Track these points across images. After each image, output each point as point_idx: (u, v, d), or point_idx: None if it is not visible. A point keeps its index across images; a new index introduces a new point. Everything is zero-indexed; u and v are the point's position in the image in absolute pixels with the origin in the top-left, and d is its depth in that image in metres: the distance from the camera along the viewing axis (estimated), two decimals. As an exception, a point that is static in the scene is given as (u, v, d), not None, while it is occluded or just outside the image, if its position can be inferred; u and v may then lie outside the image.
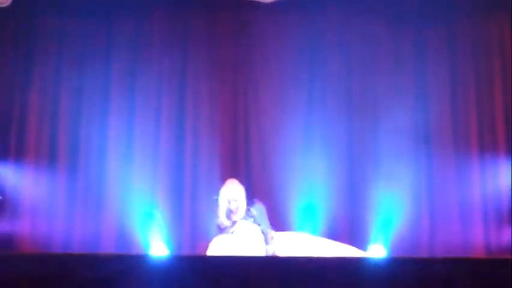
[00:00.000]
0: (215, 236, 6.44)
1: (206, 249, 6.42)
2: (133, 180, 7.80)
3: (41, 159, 7.85)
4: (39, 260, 5.27)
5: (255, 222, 6.34)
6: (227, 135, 7.93)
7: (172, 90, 8.01)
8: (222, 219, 6.33)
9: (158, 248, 7.47)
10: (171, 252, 7.42)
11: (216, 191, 6.75)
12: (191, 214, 7.77)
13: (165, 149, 7.91)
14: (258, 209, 6.40)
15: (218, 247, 6.23)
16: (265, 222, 6.40)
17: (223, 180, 7.38)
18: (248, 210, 6.37)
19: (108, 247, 7.57)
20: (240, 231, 6.26)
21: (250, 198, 6.48)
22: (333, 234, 7.08)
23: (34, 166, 7.84)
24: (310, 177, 7.82)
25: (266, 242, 6.30)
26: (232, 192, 6.38)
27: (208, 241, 6.62)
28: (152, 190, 7.79)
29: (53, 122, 7.95)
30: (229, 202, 6.35)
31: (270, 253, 6.28)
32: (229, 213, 6.34)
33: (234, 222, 6.33)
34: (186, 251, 7.53)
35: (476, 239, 7.64)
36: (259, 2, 7.92)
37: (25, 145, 7.88)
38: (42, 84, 7.98)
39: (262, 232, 6.32)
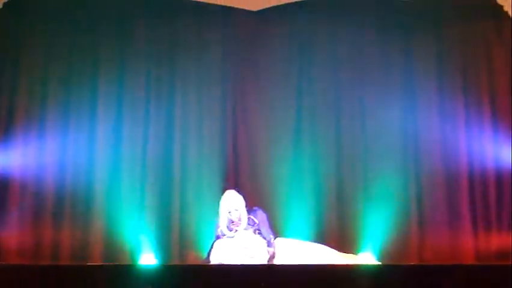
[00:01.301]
0: (204, 245, 6.42)
1: (196, 258, 6.39)
2: (121, 189, 7.76)
3: (28, 169, 7.78)
4: (28, 271, 5.22)
5: (256, 230, 6.33)
6: (216, 146, 7.90)
7: (160, 101, 7.99)
8: (223, 230, 6.31)
9: (147, 257, 7.45)
10: (160, 262, 7.40)
11: (204, 201, 6.68)
12: (180, 223, 7.73)
13: (153, 158, 7.87)
14: (260, 217, 6.39)
15: (219, 251, 6.19)
16: (267, 229, 6.39)
17: (212, 190, 7.39)
18: (249, 219, 6.36)
19: (96, 257, 7.53)
20: (240, 238, 6.24)
21: (250, 207, 6.46)
22: (323, 243, 7.05)
23: (21, 175, 7.77)
24: (299, 185, 7.82)
25: (269, 245, 6.30)
26: (233, 202, 6.37)
27: (196, 251, 6.59)
28: (141, 200, 7.75)
29: (40, 130, 7.88)
30: (230, 212, 6.33)
31: (271, 255, 6.26)
32: (230, 223, 6.32)
33: (234, 231, 6.31)
34: (175, 261, 7.49)
35: (465, 244, 7.65)
36: (247, 10, 7.94)
37: (12, 152, 7.80)
38: (29, 94, 7.92)
39: (264, 238, 6.30)
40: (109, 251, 7.58)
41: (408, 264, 6.73)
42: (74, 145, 7.86)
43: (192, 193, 7.78)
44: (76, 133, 7.89)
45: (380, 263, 6.68)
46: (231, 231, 6.29)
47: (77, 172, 7.79)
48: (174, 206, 7.78)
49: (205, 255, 6.40)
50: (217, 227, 6.36)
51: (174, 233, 7.71)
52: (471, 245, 7.63)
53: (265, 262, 6.22)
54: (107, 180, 7.79)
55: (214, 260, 6.18)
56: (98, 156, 7.84)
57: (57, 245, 7.62)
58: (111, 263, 7.20)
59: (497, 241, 7.61)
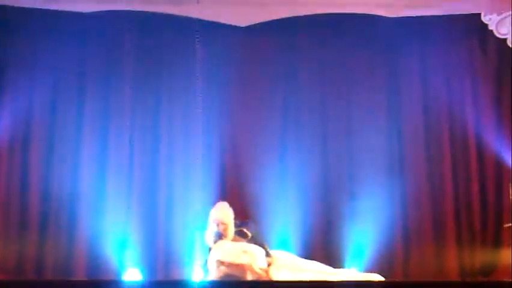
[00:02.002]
0: (189, 261, 6.42)
1: (181, 274, 6.38)
2: (106, 204, 7.73)
3: (13, 184, 7.74)
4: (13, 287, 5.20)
5: (250, 242, 6.32)
6: (202, 161, 7.89)
7: (146, 115, 7.98)
8: (209, 242, 6.31)
9: (131, 273, 7.42)
10: (145, 277, 7.38)
11: (190, 216, 6.66)
12: (165, 239, 7.71)
13: (139, 173, 7.86)
14: (252, 229, 6.40)
15: (219, 253, 6.18)
16: (262, 239, 6.39)
17: (198, 205, 7.39)
18: (239, 232, 6.36)
19: (81, 273, 7.49)
20: (239, 244, 6.24)
21: (240, 220, 6.47)
22: (308, 256, 7.07)
23: (6, 190, 7.72)
24: (285, 199, 7.83)
25: (267, 254, 6.30)
26: (220, 215, 6.37)
27: (181, 267, 6.57)
28: (126, 215, 7.72)
29: (25, 145, 7.84)
30: (217, 225, 6.34)
31: (267, 264, 6.26)
32: (217, 235, 6.31)
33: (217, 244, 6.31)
34: (160, 277, 7.46)
35: (450, 261, 7.69)
36: (235, 26, 7.96)
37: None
38: (14, 103, 7.89)
39: (262, 247, 6.30)
40: (94, 266, 7.55)
41: (392, 280, 6.78)
42: (60, 156, 7.81)
43: (177, 208, 7.77)
44: (61, 146, 7.84)
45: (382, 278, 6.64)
46: (215, 243, 6.29)
47: (62, 187, 7.76)
48: (160, 221, 7.77)
49: (202, 263, 6.40)
50: (206, 238, 6.36)
51: (159, 248, 7.70)
52: (456, 261, 7.68)
53: (263, 268, 6.20)
54: (92, 195, 7.76)
55: (214, 262, 6.14)
56: (83, 170, 7.80)
57: (41, 259, 7.58)
58: (95, 279, 7.18)
59: (482, 257, 7.66)
